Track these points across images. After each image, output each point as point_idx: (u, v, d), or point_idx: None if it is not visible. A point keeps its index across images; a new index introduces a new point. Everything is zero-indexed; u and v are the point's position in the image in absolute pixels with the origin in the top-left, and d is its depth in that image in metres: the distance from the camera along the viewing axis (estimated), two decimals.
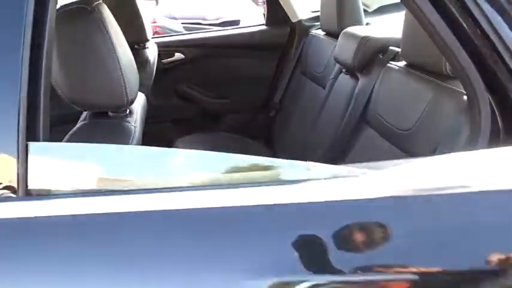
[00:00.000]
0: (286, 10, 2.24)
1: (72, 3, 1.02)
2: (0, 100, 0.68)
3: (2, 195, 0.67)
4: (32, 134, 0.70)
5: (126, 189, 0.70)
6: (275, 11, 2.31)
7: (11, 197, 0.67)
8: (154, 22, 6.05)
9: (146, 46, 1.92)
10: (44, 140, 0.72)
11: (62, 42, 0.93)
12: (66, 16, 0.94)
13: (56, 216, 0.66)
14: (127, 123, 1.00)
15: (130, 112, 1.04)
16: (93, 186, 0.71)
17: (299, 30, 2.25)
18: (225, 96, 2.40)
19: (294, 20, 2.27)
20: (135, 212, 0.66)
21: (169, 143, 1.84)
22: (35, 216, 0.66)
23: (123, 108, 1.00)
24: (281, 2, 2.22)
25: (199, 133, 2.11)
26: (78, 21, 0.93)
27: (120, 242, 0.66)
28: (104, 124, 1.00)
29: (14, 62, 0.69)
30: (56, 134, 0.82)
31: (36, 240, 0.66)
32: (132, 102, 0.98)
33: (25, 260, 0.65)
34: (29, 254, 0.66)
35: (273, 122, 2.28)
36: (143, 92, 1.21)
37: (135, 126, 1.01)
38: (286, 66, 2.28)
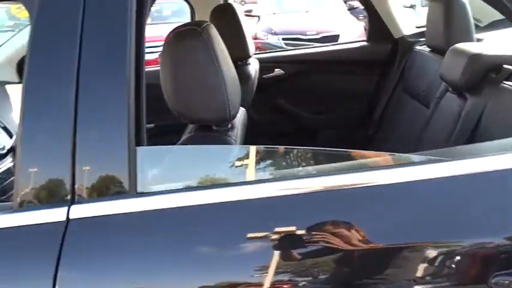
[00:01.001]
0: (388, 26, 2.19)
1: (185, 24, 1.11)
2: (111, 111, 0.77)
3: (115, 194, 0.75)
4: (138, 140, 0.78)
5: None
6: (377, 27, 2.26)
7: (122, 195, 0.75)
8: (256, 38, 6.25)
9: (248, 62, 1.99)
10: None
11: (174, 60, 1.01)
12: (179, 36, 1.02)
13: (161, 209, 0.75)
14: (228, 137, 1.05)
15: (232, 127, 1.10)
16: (192, 183, 0.79)
17: (402, 46, 2.17)
18: (323, 112, 2.40)
19: (396, 36, 2.20)
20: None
21: None
22: (144, 211, 0.74)
23: (225, 122, 1.05)
24: (383, 18, 2.17)
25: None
26: (188, 41, 1.01)
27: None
28: (207, 137, 1.06)
29: (123, 72, 0.77)
30: (161, 143, 0.90)
31: (143, 232, 0.75)
32: (234, 117, 1.04)
33: (137, 249, 0.75)
34: (139, 245, 0.75)
35: (370, 141, 2.22)
36: (244, 107, 1.27)
37: (235, 140, 1.06)
38: (387, 83, 2.22)
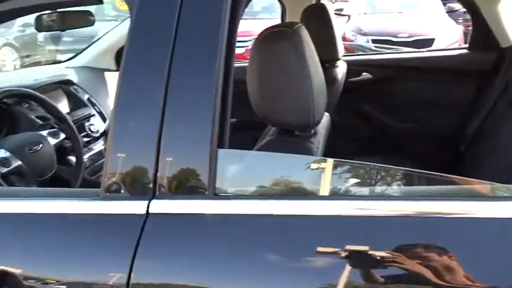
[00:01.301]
0: (495, 34, 1.99)
1: (276, 25, 1.09)
2: (197, 111, 0.77)
3: (194, 193, 0.76)
4: (220, 142, 0.78)
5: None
6: (482, 34, 2.07)
7: (201, 195, 0.75)
8: (344, 38, 6.10)
9: (336, 64, 1.94)
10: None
11: (262, 61, 1.00)
12: (269, 37, 1.00)
13: (236, 214, 0.74)
14: (310, 144, 1.02)
15: (315, 133, 1.06)
16: (273, 191, 0.78)
17: (510, 57, 1.97)
18: (411, 121, 2.26)
19: (504, 45, 2.00)
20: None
21: None
22: (219, 214, 0.74)
23: (308, 128, 1.02)
24: (490, 25, 1.98)
25: (377, 156, 2.03)
26: (278, 42, 0.98)
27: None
28: (289, 142, 1.04)
29: (212, 72, 0.77)
30: (242, 138, 0.90)
31: (217, 234, 0.75)
32: (318, 123, 1.00)
33: (208, 251, 0.74)
34: (211, 247, 0.75)
35: (461, 158, 2.05)
36: (327, 110, 1.22)
37: (317, 148, 1.03)
38: (488, 95, 2.02)
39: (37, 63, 7.16)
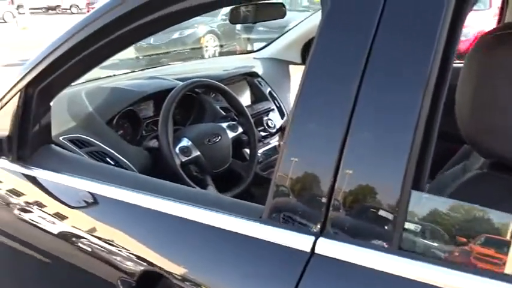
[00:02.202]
0: None
1: (503, 26, 0.82)
2: (392, 133, 0.60)
3: (373, 242, 0.59)
4: (417, 181, 0.59)
5: None
6: None
7: (382, 246, 0.59)
8: None
9: None
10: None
11: (481, 71, 0.75)
12: (494, 42, 0.75)
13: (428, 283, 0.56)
14: None
15: None
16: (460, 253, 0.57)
17: None
18: None
19: None
20: None
21: None
22: (404, 277, 0.57)
23: None
24: None
25: None
26: (506, 49, 0.73)
27: None
28: (504, 181, 0.78)
29: (420, 83, 0.59)
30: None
31: None
32: None
33: None
34: None
35: None
36: None
37: None
38: None
39: (232, 51, 7.79)
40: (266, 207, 0.70)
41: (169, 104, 1.37)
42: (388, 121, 0.61)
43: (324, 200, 0.63)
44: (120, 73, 2.04)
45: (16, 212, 1.18)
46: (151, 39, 8.16)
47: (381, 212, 0.59)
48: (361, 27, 0.64)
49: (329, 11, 0.66)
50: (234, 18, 1.63)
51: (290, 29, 2.52)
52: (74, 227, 1.01)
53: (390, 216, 0.58)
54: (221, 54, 8.13)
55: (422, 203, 0.58)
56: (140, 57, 6.43)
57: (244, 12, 1.62)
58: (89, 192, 1.00)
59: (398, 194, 0.57)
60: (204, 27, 8.19)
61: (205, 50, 8.02)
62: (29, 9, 18.72)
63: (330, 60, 0.66)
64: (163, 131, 1.32)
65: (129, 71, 2.11)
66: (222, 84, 1.56)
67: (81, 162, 1.18)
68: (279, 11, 1.75)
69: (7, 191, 1.23)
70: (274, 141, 1.89)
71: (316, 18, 2.33)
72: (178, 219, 0.81)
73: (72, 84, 1.79)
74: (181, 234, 0.81)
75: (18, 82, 1.18)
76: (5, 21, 19.86)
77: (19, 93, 1.19)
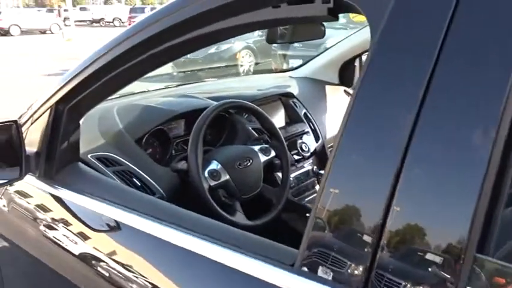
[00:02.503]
0: None
1: None
2: (460, 178, 0.50)
3: None
4: (481, 246, 0.49)
5: None
6: None
7: None
8: None
9: None
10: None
11: None
12: None
13: None
14: None
15: None
16: None
17: None
18: None
19: None
20: None
21: None
22: None
23: None
24: None
25: None
26: None
27: None
28: None
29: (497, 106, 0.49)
30: None
31: None
32: None
33: None
34: None
35: None
36: None
37: None
38: None
39: (267, 69, 7.79)
40: (300, 254, 0.62)
41: (200, 125, 1.31)
42: (451, 159, 0.51)
43: (366, 254, 0.55)
44: (154, 88, 2.03)
45: (39, 228, 1.16)
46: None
47: (437, 274, 0.50)
48: (422, 49, 0.56)
49: (383, 30, 0.58)
50: (271, 38, 1.57)
51: (328, 48, 2.45)
52: (95, 248, 0.98)
53: (448, 282, 0.49)
54: (256, 70, 8.13)
55: (488, 273, 0.49)
56: (176, 73, 6.52)
57: (281, 31, 1.56)
58: (110, 217, 0.96)
59: (461, 260, 0.48)
60: (240, 43, 8.24)
61: (240, 65, 8.05)
62: (75, 21, 19.51)
63: (385, 84, 0.58)
64: (192, 153, 1.27)
65: (163, 86, 2.09)
66: (255, 105, 1.50)
67: (106, 184, 1.14)
68: (318, 31, 1.68)
69: (32, 206, 1.21)
70: (307, 166, 1.81)
71: (356, 37, 2.25)
72: (198, 257, 0.74)
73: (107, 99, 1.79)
74: (200, 272, 0.74)
75: (49, 98, 1.16)
76: (52, 33, 20.78)
77: (49, 110, 1.17)
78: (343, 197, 0.59)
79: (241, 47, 8.26)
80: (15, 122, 1.13)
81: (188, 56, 8.33)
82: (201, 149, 1.30)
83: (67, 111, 1.15)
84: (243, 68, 8.09)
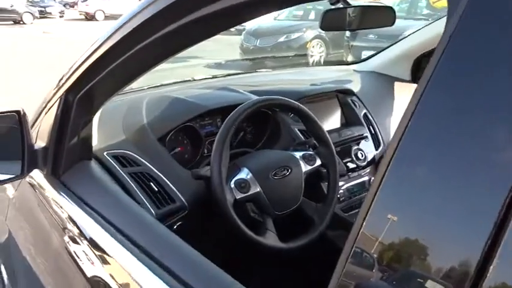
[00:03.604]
0: None
1: None
2: None
3: None
4: None
5: None
6: None
7: None
8: None
9: None
10: None
11: None
12: None
13: None
14: None
15: None
16: None
17: None
18: None
19: None
20: None
21: None
22: None
23: None
24: None
25: None
26: None
27: None
28: None
29: None
30: None
31: None
32: None
33: None
34: None
35: None
36: None
37: None
38: None
39: (338, 61, 7.39)
40: None
41: (228, 125, 1.11)
42: None
43: None
44: (199, 78, 1.86)
45: (40, 228, 1.06)
46: (257, 41, 8.12)
47: None
48: None
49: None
50: (325, 24, 1.31)
51: (400, 40, 2.13)
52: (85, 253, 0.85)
53: None
54: (326, 61, 7.77)
55: None
56: (243, 60, 6.36)
57: (339, 16, 1.30)
58: (103, 240, 0.81)
59: None
60: (312, 32, 7.90)
61: (310, 56, 7.73)
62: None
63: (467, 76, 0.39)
64: (216, 158, 1.07)
65: (210, 76, 1.91)
66: (299, 104, 1.26)
67: (111, 192, 0.98)
68: (387, 17, 1.39)
69: (35, 206, 1.09)
70: (364, 176, 1.54)
71: (436, 27, 1.91)
72: None
73: (145, 88, 1.64)
74: None
75: (60, 87, 1.02)
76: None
77: (59, 99, 1.02)
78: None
79: (312, 36, 7.92)
80: (17, 112, 1.00)
81: (257, 44, 8.17)
82: (228, 153, 1.09)
83: (77, 101, 1.00)
84: (313, 59, 7.76)
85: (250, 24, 8.33)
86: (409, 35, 2.08)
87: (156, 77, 2.18)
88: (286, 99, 1.24)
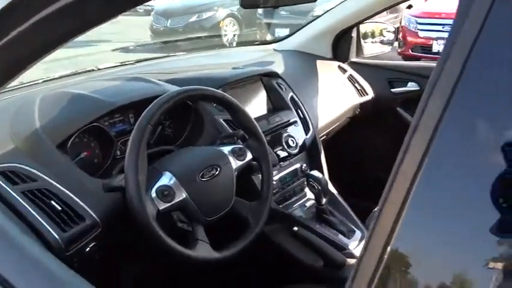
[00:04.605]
0: None
1: None
2: None
3: None
4: None
5: None
6: None
7: None
8: None
9: None
10: None
11: None
12: None
13: None
14: None
15: None
16: None
17: None
18: None
19: None
20: None
21: None
22: None
23: None
24: None
25: None
26: None
27: None
28: None
29: None
30: None
31: None
32: None
33: None
34: None
35: None
36: None
37: None
38: None
39: (251, 40, 7.28)
40: None
41: (142, 125, 0.93)
42: None
43: None
44: (105, 66, 1.62)
45: None
46: (167, 22, 7.74)
47: None
48: None
49: None
50: (246, 1, 1.17)
51: (319, 16, 2.05)
52: None
53: None
54: (240, 41, 7.63)
55: None
56: (154, 44, 5.99)
57: None
58: None
59: None
60: (224, 10, 7.70)
61: (224, 35, 7.55)
62: None
63: None
64: (130, 165, 0.90)
65: (117, 64, 1.68)
66: (223, 93, 1.12)
67: None
68: None
69: None
70: (295, 164, 1.45)
71: (355, 2, 1.86)
72: None
73: (39, 82, 1.39)
74: None
75: None
76: None
77: None
78: None
79: (225, 15, 7.72)
80: None
81: (167, 24, 7.78)
82: (145, 156, 0.93)
83: None
84: (227, 38, 7.58)
85: (159, 4, 7.91)
86: (328, 11, 2.01)
87: (51, 67, 1.89)
88: (209, 88, 1.09)
